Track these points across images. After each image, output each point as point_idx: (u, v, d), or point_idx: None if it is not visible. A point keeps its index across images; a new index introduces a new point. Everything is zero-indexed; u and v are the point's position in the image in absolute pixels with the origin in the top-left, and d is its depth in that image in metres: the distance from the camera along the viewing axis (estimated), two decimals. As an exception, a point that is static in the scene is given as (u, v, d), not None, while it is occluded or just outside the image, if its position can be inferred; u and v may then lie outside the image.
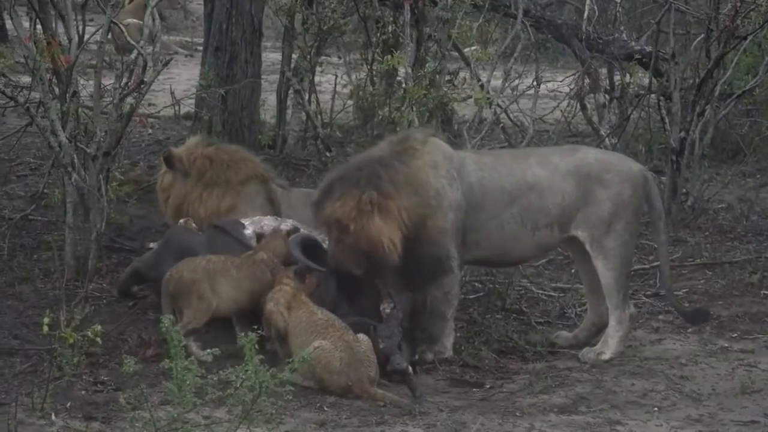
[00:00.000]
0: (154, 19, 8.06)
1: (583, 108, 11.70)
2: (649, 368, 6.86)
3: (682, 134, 9.89)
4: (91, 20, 9.91)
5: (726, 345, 7.30)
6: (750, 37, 10.07)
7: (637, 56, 10.93)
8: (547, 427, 5.94)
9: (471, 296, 7.84)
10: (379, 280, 6.80)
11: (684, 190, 9.96)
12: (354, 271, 6.67)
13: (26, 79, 8.44)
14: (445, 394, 6.47)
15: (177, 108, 11.52)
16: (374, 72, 10.65)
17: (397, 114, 8.37)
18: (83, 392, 6.11)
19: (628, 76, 11.33)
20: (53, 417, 5.72)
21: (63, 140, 7.59)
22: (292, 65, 10.83)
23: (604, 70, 11.75)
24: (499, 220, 6.93)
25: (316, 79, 11.25)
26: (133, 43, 7.99)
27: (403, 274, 6.83)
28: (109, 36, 9.15)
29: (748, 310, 7.94)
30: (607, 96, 11.44)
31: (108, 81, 8.84)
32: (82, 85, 8.29)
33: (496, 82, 9.83)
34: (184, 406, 4.94)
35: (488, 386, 6.64)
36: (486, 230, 6.94)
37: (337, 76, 11.81)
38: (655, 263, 8.35)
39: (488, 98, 8.69)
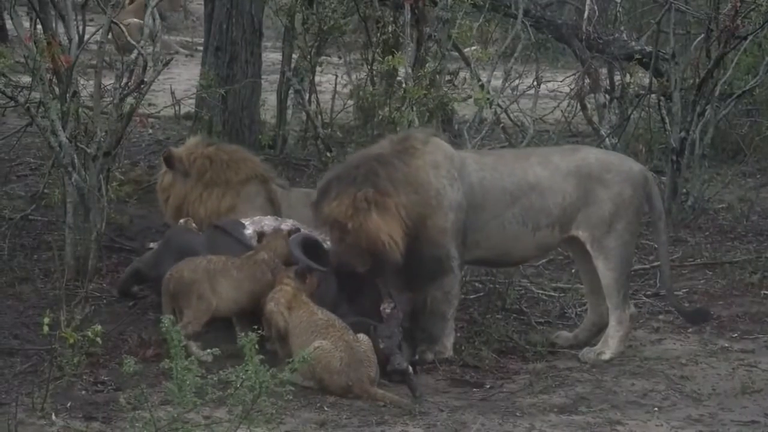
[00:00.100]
0: (154, 19, 8.06)
1: (584, 108, 11.69)
2: (649, 368, 6.86)
3: (683, 134, 9.89)
4: (92, 20, 9.92)
5: (726, 345, 7.30)
6: (750, 37, 10.06)
7: (637, 56, 10.92)
8: (547, 427, 5.94)
9: (471, 296, 7.84)
10: (379, 280, 6.80)
11: (684, 190, 9.96)
12: (359, 269, 6.67)
13: (26, 79, 8.44)
14: (445, 394, 6.47)
15: (177, 108, 11.52)
16: (374, 72, 10.64)
17: (398, 114, 8.37)
18: (83, 392, 6.12)
19: (628, 76, 11.32)
20: (53, 417, 5.72)
21: (63, 140, 7.59)
22: (293, 65, 10.83)
23: (604, 70, 11.75)
24: (501, 220, 6.93)
25: (317, 79, 11.25)
26: (134, 43, 7.99)
27: (404, 274, 6.83)
28: (110, 36, 9.15)
29: (748, 310, 7.94)
30: (607, 96, 11.44)
31: (108, 81, 8.84)
32: (83, 85, 8.29)
33: (497, 82, 9.83)
34: (184, 406, 4.94)
35: (488, 386, 6.64)
36: (487, 230, 6.94)
37: (337, 76, 11.80)
38: (656, 263, 8.35)
39: (488, 98, 8.69)
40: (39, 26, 8.15)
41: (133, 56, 7.90)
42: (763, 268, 8.60)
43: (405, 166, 6.80)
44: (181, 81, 13.85)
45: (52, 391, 5.87)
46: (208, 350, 5.88)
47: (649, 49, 10.99)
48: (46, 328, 5.91)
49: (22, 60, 8.08)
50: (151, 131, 11.67)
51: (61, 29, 8.02)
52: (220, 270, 6.72)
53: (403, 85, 8.85)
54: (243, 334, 5.05)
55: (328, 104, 11.41)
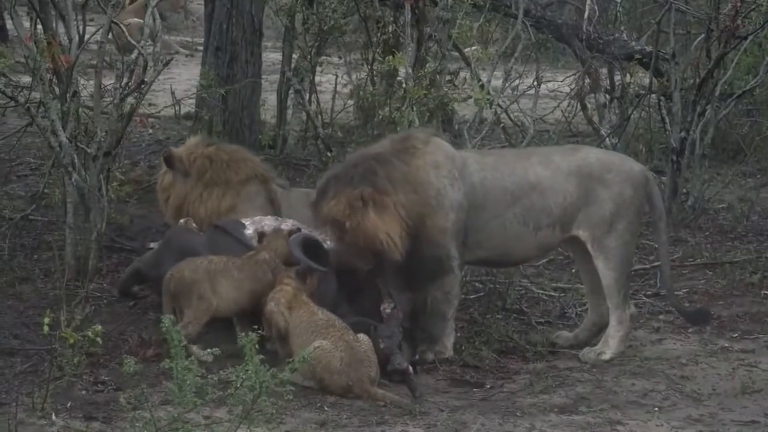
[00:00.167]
0: (154, 19, 8.06)
1: (584, 108, 11.69)
2: (649, 368, 6.86)
3: (683, 134, 9.89)
4: (92, 20, 9.92)
5: (726, 345, 7.30)
6: (750, 37, 10.06)
7: (637, 56, 10.92)
8: (547, 427, 5.94)
9: (471, 296, 7.84)
10: (379, 279, 6.80)
11: (684, 190, 9.96)
12: (362, 267, 6.68)
13: (27, 79, 8.44)
14: (445, 394, 6.47)
15: (177, 108, 11.51)
16: (375, 72, 10.64)
17: (398, 114, 8.37)
18: (84, 392, 6.12)
19: (628, 76, 11.32)
20: (54, 417, 5.72)
21: (63, 140, 7.59)
22: (293, 65, 10.83)
23: (604, 70, 11.74)
24: (502, 220, 6.93)
25: (317, 79, 11.24)
26: (134, 43, 7.99)
27: (404, 274, 6.83)
28: (110, 36, 9.15)
29: (748, 310, 7.94)
30: (607, 96, 11.44)
31: (108, 81, 8.85)
32: (83, 85, 8.29)
33: (497, 82, 9.83)
34: (184, 405, 4.94)
35: (489, 386, 6.64)
36: (488, 230, 6.94)
37: (337, 76, 11.80)
38: (656, 263, 8.36)
39: (489, 98, 8.69)
40: (39, 26, 8.15)
41: (133, 56, 7.90)
42: (763, 268, 8.60)
43: (405, 166, 6.80)
44: (181, 81, 13.85)
45: (52, 391, 5.87)
46: (209, 350, 5.88)
47: (649, 49, 10.99)
48: (46, 328, 5.91)
49: (23, 60, 8.08)
50: (151, 131, 11.67)
51: (61, 29, 8.02)
52: (220, 270, 6.72)
53: (404, 85, 8.85)
54: (243, 334, 5.05)
55: (329, 104, 11.41)
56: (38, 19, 8.16)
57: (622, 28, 11.69)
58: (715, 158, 11.08)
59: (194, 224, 7.36)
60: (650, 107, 11.36)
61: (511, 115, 11.00)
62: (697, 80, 9.90)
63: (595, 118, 11.50)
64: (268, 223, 7.13)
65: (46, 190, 8.89)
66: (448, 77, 9.77)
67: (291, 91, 10.91)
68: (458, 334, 7.06)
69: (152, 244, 7.75)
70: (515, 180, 6.94)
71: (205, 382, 4.98)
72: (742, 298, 8.16)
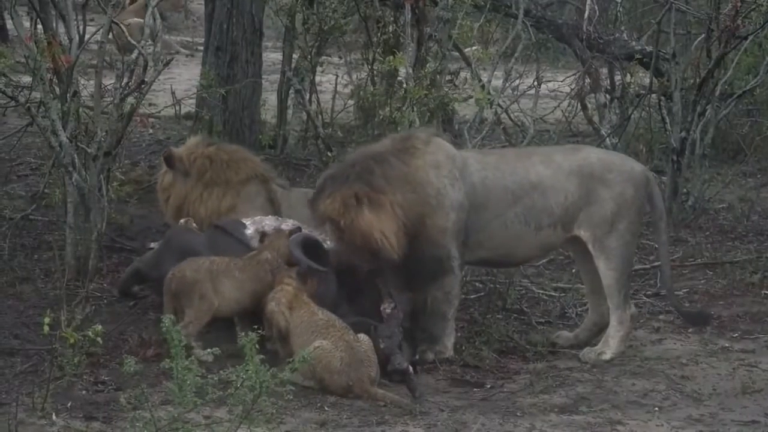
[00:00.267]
0: (155, 19, 8.06)
1: (584, 108, 11.69)
2: (649, 368, 6.86)
3: (683, 134, 9.89)
4: (92, 20, 9.92)
5: (727, 345, 7.30)
6: (751, 37, 10.07)
7: (637, 56, 10.91)
8: (547, 427, 5.94)
9: (472, 296, 7.84)
10: (379, 279, 6.80)
11: (685, 190, 9.96)
12: (360, 266, 6.68)
13: (27, 79, 8.45)
14: (445, 394, 6.47)
15: (178, 108, 11.51)
16: (375, 72, 10.64)
17: (398, 114, 8.37)
18: (84, 392, 6.12)
19: (628, 75, 11.32)
20: (54, 417, 5.72)
21: (64, 140, 7.59)
22: (293, 65, 10.83)
23: (604, 70, 11.74)
24: (503, 220, 6.93)
25: (317, 79, 11.25)
26: (134, 43, 7.99)
27: (404, 273, 6.83)
28: (110, 36, 9.14)
29: (748, 310, 7.94)
30: (607, 96, 11.44)
31: (109, 81, 8.85)
32: (83, 85, 8.29)
33: (497, 82, 9.83)
34: (184, 405, 4.94)
35: (489, 386, 6.64)
36: (489, 230, 6.93)
37: (337, 76, 11.80)
38: (656, 263, 8.36)
39: (489, 98, 8.69)
40: (39, 26, 8.15)
41: (133, 56, 7.90)
42: (763, 268, 8.60)
43: (404, 165, 6.79)
44: (181, 81, 13.85)
45: (52, 391, 5.87)
46: (209, 350, 5.88)
47: (649, 49, 10.99)
48: (46, 328, 5.91)
49: (23, 60, 8.08)
50: (151, 131, 11.67)
51: (61, 29, 8.02)
52: (222, 271, 6.72)
53: (404, 85, 8.85)
54: (243, 333, 5.05)
55: (329, 104, 11.41)
56: (38, 19, 8.16)
57: (623, 28, 11.69)
58: (716, 158, 11.08)
59: (194, 224, 7.36)
60: (650, 107, 11.36)
61: (512, 115, 11.00)
62: (698, 80, 9.90)
63: (596, 118, 11.50)
64: (269, 223, 7.13)
65: (46, 190, 8.90)
66: (448, 77, 9.77)
67: (291, 91, 10.90)
68: (458, 334, 7.06)
69: (152, 244, 7.75)
70: (516, 179, 6.94)
71: (205, 382, 4.98)
72: (742, 298, 8.16)
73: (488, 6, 9.56)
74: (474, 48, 11.09)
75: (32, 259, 8.13)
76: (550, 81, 12.04)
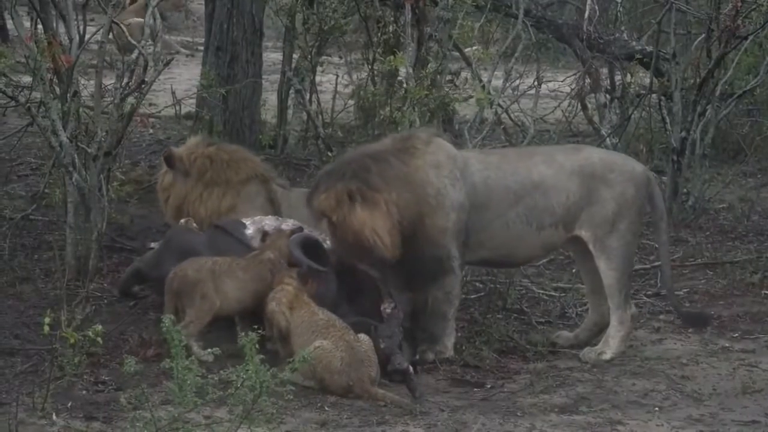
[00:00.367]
0: (155, 19, 8.06)
1: (584, 108, 11.69)
2: (650, 368, 6.86)
3: (683, 134, 9.89)
4: (92, 20, 9.92)
5: (727, 345, 7.30)
6: (751, 37, 10.06)
7: (638, 56, 10.92)
8: (547, 427, 5.94)
9: (472, 296, 7.83)
10: (379, 279, 6.80)
11: (685, 190, 9.96)
12: (357, 262, 6.68)
13: (27, 79, 8.44)
14: (445, 394, 6.46)
15: (178, 108, 11.51)
16: (375, 72, 10.65)
17: (399, 114, 8.37)
18: (84, 392, 6.11)
19: (629, 75, 11.32)
20: (54, 417, 5.71)
21: (64, 140, 7.59)
22: (293, 65, 10.83)
23: (604, 70, 11.74)
24: (505, 220, 6.92)
25: (317, 78, 11.25)
26: (134, 42, 7.99)
27: (404, 273, 6.83)
28: (111, 36, 9.15)
29: (749, 310, 7.93)
30: (608, 96, 11.44)
31: (109, 81, 8.85)
32: (83, 84, 8.29)
33: (497, 82, 9.84)
34: (184, 405, 4.94)
35: (489, 386, 6.64)
36: (491, 230, 6.93)
37: (338, 75, 11.80)
38: (657, 263, 8.36)
39: (489, 98, 8.69)
40: (40, 26, 8.15)
41: (133, 56, 7.90)
42: (763, 268, 8.60)
43: (402, 165, 6.78)
44: (181, 81, 13.85)
45: (52, 391, 5.87)
46: (209, 350, 5.88)
47: (649, 48, 10.99)
48: (46, 328, 5.90)
49: (23, 60, 8.09)
50: (151, 131, 11.67)
51: (61, 29, 8.02)
52: (225, 271, 6.71)
53: (404, 85, 8.85)
54: (243, 333, 5.05)
55: (329, 104, 11.41)
56: (39, 19, 8.16)
57: (623, 28, 11.69)
58: (716, 158, 11.08)
59: (194, 224, 7.36)
60: (651, 107, 11.36)
61: (512, 115, 11.00)
62: (698, 80, 9.90)
63: (596, 118, 11.50)
64: (269, 223, 7.13)
65: (46, 190, 8.89)
66: (448, 77, 9.77)
67: (291, 91, 10.91)
68: (459, 334, 7.06)
69: (153, 244, 7.75)
70: (518, 179, 6.94)
71: (205, 382, 4.98)
72: (742, 298, 8.16)
73: (488, 6, 9.56)
74: (474, 48, 11.09)
75: (32, 259, 8.13)
76: (550, 81, 12.05)
